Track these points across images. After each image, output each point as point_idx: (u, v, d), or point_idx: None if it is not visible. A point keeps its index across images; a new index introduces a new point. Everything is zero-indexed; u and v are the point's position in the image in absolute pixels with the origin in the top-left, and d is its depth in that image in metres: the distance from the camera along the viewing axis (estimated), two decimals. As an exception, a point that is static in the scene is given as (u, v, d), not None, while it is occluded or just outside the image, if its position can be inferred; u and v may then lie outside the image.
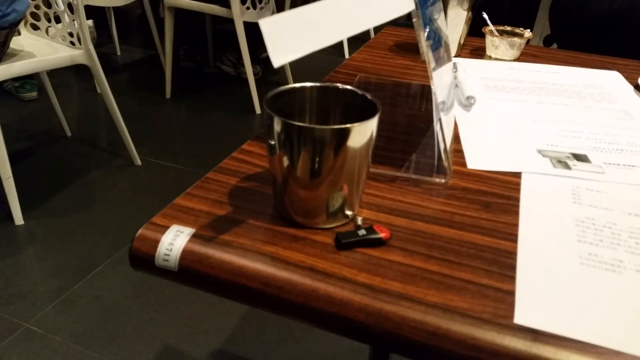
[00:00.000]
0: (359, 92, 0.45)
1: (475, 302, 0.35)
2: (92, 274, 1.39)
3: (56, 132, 2.10)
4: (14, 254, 1.45)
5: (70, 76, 2.57)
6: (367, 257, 0.39)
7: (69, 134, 2.09)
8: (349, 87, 0.45)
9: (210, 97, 2.50)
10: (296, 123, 0.38)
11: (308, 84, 0.46)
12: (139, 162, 1.89)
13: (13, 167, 1.51)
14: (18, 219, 1.55)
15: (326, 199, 0.41)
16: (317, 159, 0.39)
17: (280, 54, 0.32)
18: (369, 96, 0.44)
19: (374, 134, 0.41)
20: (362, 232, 0.41)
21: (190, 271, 0.39)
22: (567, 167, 0.52)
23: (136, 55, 2.99)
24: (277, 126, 0.39)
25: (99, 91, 2.37)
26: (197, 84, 2.64)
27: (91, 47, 1.61)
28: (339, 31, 0.36)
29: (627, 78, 0.78)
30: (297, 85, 0.45)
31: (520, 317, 0.34)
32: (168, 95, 2.44)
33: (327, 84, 0.46)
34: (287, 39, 0.33)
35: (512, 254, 0.40)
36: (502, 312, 0.34)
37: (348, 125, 0.38)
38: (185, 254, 0.39)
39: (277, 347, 1.19)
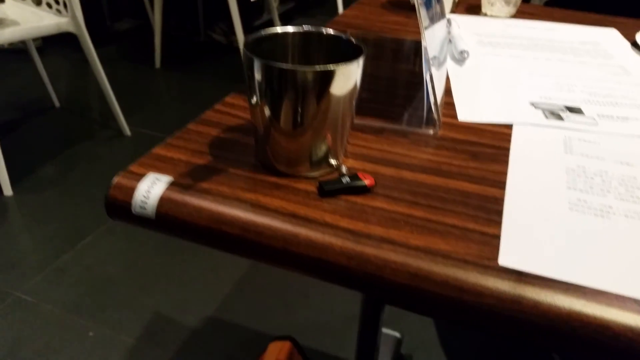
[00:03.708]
0: (344, 36, 0.43)
1: (459, 245, 0.34)
2: (81, 243, 1.38)
3: (45, 103, 2.06)
4: (2, 224, 1.44)
5: (60, 46, 2.52)
6: (350, 204, 0.38)
7: (57, 104, 2.06)
8: (332, 31, 0.43)
9: (201, 67, 2.46)
10: (277, 65, 0.37)
11: (290, 29, 0.44)
12: (128, 132, 1.86)
13: (1, 138, 1.48)
14: (7, 189, 1.54)
15: (309, 147, 0.40)
16: (299, 104, 0.38)
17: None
18: (354, 40, 0.42)
19: (359, 79, 0.39)
20: (346, 179, 0.39)
21: (168, 218, 0.37)
22: (560, 118, 0.51)
23: (126, 24, 2.92)
24: (257, 69, 0.38)
25: (88, 62, 2.32)
26: (187, 54, 2.59)
27: (79, 14, 1.57)
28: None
29: (624, 35, 0.76)
30: (279, 29, 0.43)
31: (505, 258, 0.33)
32: (158, 65, 2.40)
33: (311, 28, 0.44)
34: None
35: (499, 201, 0.39)
36: (487, 254, 0.33)
37: (332, 66, 0.36)
38: (163, 201, 0.38)
39: (270, 315, 1.19)
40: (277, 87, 0.37)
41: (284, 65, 0.37)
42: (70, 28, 1.59)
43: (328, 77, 0.37)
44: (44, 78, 1.99)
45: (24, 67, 2.33)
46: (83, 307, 1.19)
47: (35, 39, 2.38)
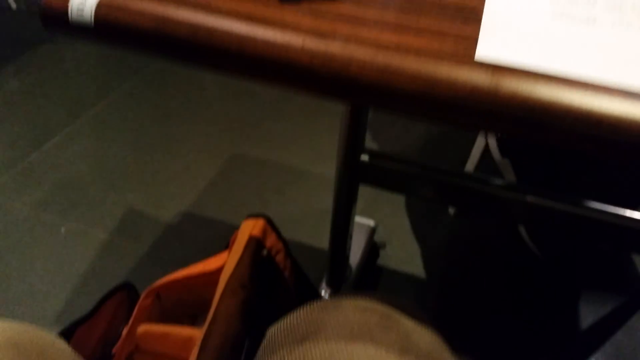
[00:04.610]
0: None
1: (433, 42, 0.31)
2: (49, 144, 1.33)
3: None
4: (-38, 124, 1.37)
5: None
6: (314, 9, 0.34)
7: (13, 6, 1.91)
8: None
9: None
10: None
11: None
12: (93, 33, 1.75)
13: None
14: (-37, 90, 1.45)
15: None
16: None
17: None
18: None
19: None
20: (310, -13, 0.35)
21: (108, 25, 0.33)
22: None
23: None
24: None
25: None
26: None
27: None
28: None
29: None
30: None
31: (482, 53, 0.30)
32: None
33: None
34: None
35: (478, 10, 0.35)
36: (462, 51, 0.30)
37: None
38: (102, 5, 0.33)
39: (245, 209, 1.18)
40: None
41: None
42: None
43: None
44: (-5, -25, 1.83)
45: (-28, -35, 2.13)
46: (53, 205, 1.16)
47: None
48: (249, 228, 0.75)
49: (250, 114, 1.45)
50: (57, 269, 1.03)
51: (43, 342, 0.36)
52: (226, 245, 0.83)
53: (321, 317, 0.37)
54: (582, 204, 0.71)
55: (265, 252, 0.74)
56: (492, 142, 0.97)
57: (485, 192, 0.73)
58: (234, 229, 0.76)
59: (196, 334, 0.74)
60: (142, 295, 0.79)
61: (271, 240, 0.77)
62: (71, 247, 1.07)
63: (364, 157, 0.78)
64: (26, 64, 1.61)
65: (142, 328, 0.77)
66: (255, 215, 0.78)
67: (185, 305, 0.83)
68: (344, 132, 0.73)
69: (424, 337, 0.37)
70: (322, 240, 1.10)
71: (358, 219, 1.03)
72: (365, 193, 1.21)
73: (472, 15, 0.35)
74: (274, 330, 0.39)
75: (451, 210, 1.16)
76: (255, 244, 0.74)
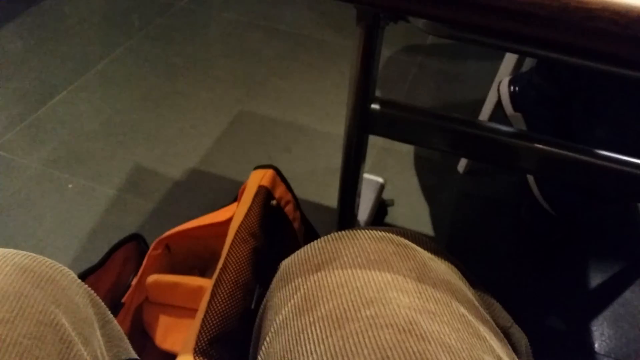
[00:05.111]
0: None
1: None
2: (54, 100, 1.31)
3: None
4: (-34, 80, 1.35)
5: None
6: None
7: (14, -38, 1.87)
8: None
9: None
10: None
11: None
12: (95, -10, 1.71)
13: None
14: (-34, 46, 1.43)
15: None
16: None
17: None
18: None
19: None
20: None
21: None
22: None
23: None
24: None
25: None
26: None
27: None
28: None
29: None
30: None
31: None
32: None
33: None
34: None
35: None
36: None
37: None
38: None
39: (252, 167, 1.17)
40: None
41: None
42: None
43: None
44: None
45: None
46: (60, 161, 1.16)
47: None
48: (258, 178, 0.75)
49: (256, 72, 1.43)
50: (65, 225, 1.03)
51: (52, 270, 0.36)
52: (235, 198, 0.82)
53: (336, 246, 0.36)
54: (596, 153, 0.70)
55: (274, 202, 0.74)
56: (505, 97, 0.95)
57: (499, 141, 0.71)
58: (241, 185, 0.75)
59: (206, 284, 0.74)
60: (152, 246, 0.79)
61: (280, 191, 0.76)
62: (79, 203, 1.07)
63: (375, 106, 0.77)
64: (28, 21, 1.58)
65: (152, 278, 0.77)
66: (264, 166, 0.77)
67: (195, 257, 0.84)
68: (354, 79, 0.71)
69: (441, 266, 0.36)
70: (330, 198, 1.10)
71: (367, 175, 1.02)
72: (373, 151, 1.20)
73: None
74: (288, 262, 0.39)
75: (460, 168, 1.15)
76: (264, 194, 0.73)
